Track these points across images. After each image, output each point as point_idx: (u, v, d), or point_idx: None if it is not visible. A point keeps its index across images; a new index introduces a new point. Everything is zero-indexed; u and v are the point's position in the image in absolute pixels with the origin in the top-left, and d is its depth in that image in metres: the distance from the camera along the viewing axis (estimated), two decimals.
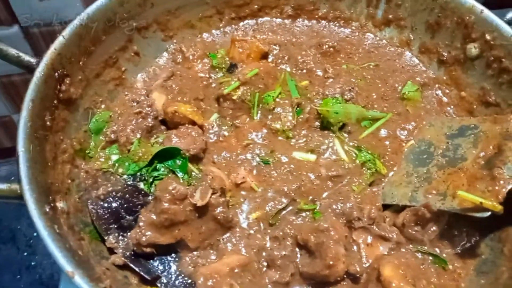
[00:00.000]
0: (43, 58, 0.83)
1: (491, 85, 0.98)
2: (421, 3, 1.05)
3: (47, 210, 0.67)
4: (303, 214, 0.88)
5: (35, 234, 1.60)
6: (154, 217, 0.79)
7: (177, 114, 0.94)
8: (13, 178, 1.77)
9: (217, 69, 1.08)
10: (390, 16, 1.12)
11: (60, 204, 0.75)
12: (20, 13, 1.25)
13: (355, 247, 0.83)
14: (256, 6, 1.17)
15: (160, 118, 0.97)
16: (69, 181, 0.84)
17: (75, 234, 0.75)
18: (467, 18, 0.98)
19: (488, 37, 0.95)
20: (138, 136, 0.92)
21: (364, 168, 0.93)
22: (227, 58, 1.09)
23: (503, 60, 0.93)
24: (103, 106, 0.99)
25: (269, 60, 1.10)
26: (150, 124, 0.94)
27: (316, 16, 1.18)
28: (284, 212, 0.88)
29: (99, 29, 0.96)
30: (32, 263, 1.57)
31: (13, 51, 0.84)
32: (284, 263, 0.80)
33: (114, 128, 0.94)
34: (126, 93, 1.05)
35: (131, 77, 1.07)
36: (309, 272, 0.79)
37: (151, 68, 1.10)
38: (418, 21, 1.08)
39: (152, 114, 0.95)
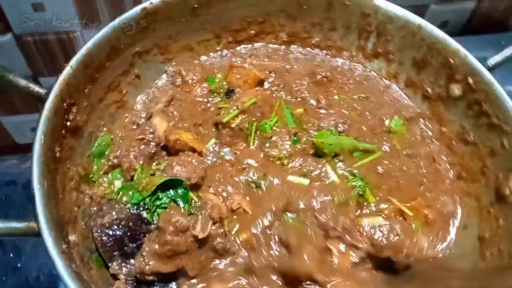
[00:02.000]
0: (52, 89, 0.86)
1: (470, 125, 1.05)
2: (410, 40, 1.12)
3: (64, 247, 0.71)
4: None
5: None
6: (157, 247, 0.84)
7: (178, 142, 0.98)
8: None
9: (215, 94, 1.13)
10: (380, 50, 1.18)
11: (72, 237, 0.79)
12: (14, 22, 1.26)
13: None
14: (252, 32, 1.21)
15: (161, 144, 1.01)
16: (76, 208, 0.88)
17: (85, 266, 0.79)
18: (452, 60, 1.05)
19: (470, 80, 1.02)
20: (141, 162, 0.96)
21: (353, 191, 0.99)
22: (225, 83, 1.13)
23: (483, 104, 1.01)
24: (105, 129, 1.03)
25: (265, 86, 1.15)
26: (153, 151, 0.98)
27: (310, 44, 1.23)
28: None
29: (103, 57, 0.99)
30: (18, 265, 1.57)
31: (23, 82, 0.86)
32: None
33: (117, 153, 0.97)
34: (127, 115, 1.08)
35: (132, 99, 1.10)
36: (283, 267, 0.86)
37: (151, 90, 1.13)
38: (406, 57, 1.15)
39: (154, 141, 0.99)
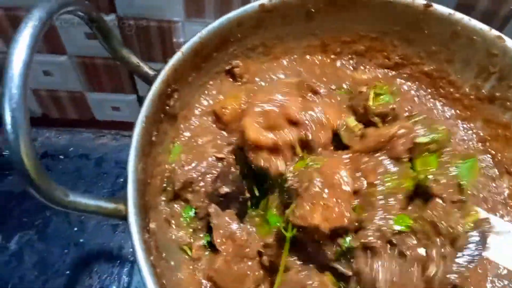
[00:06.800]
0: (160, 72, 0.85)
1: None
2: None
3: (146, 237, 0.70)
4: None
5: None
6: None
7: None
8: (72, 149, 1.75)
9: None
10: (497, 94, 1.08)
11: (152, 225, 0.78)
12: (119, 4, 1.26)
13: None
14: (362, 47, 1.15)
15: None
16: (159, 194, 0.87)
17: (159, 255, 0.77)
18: None
19: None
20: None
21: None
22: None
23: None
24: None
25: None
26: None
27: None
28: None
29: (213, 47, 0.97)
30: (81, 240, 1.56)
31: (134, 60, 0.86)
32: None
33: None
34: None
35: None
36: None
37: None
38: None
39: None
